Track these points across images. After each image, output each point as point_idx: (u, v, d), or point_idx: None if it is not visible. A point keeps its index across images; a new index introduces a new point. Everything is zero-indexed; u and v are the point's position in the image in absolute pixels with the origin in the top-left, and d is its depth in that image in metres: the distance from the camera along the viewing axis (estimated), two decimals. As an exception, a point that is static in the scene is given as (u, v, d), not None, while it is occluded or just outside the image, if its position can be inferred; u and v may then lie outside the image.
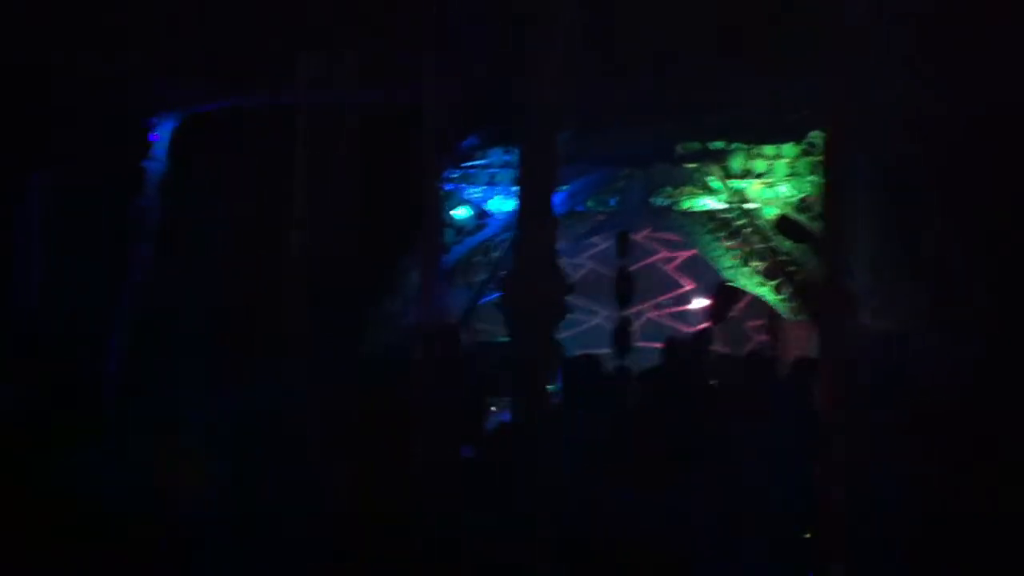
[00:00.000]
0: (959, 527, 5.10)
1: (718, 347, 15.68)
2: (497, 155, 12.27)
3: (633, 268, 13.90)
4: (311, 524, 5.49)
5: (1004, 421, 5.49)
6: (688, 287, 16.87)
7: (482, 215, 12.64)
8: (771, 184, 12.36)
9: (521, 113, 4.21)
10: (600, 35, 6.90)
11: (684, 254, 16.63)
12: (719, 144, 12.24)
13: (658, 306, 16.84)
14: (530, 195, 4.18)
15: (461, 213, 12.65)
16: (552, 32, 4.04)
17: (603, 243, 15.81)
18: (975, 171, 7.20)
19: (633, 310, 15.98)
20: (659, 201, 13.21)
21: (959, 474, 5.27)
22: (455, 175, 12.18)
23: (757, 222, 12.67)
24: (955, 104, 7.15)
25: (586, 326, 15.74)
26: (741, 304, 15.16)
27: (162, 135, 9.27)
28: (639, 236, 16.18)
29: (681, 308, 16.97)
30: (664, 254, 17.00)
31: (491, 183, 12.50)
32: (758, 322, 15.51)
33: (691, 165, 12.54)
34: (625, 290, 13.46)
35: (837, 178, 3.81)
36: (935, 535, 5.11)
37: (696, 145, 12.26)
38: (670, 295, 17.01)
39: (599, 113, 8.86)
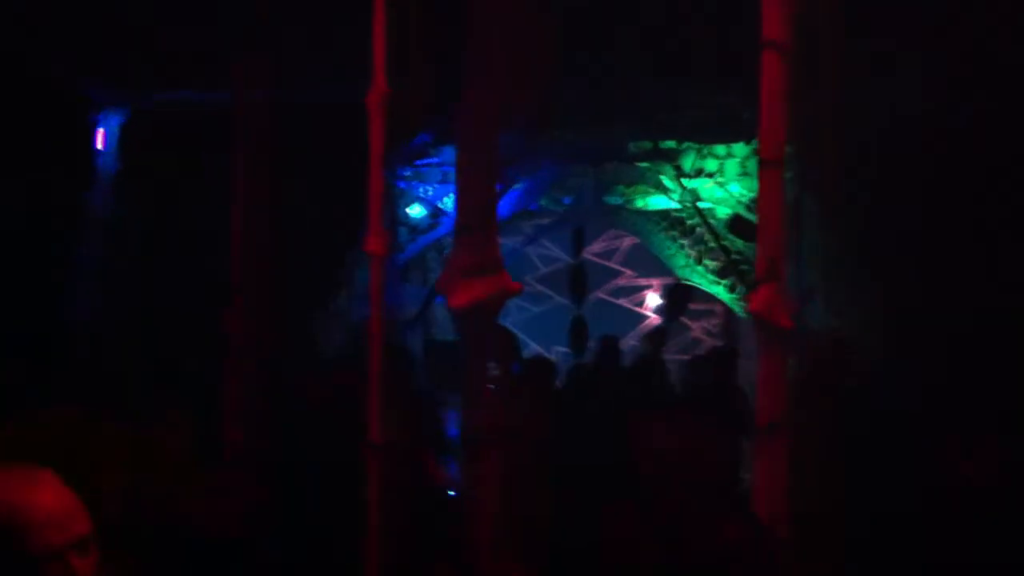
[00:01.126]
0: (903, 535, 5.15)
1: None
2: (450, 153, 12.17)
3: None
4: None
5: (953, 427, 5.54)
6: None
7: (436, 213, 12.58)
8: (723, 183, 12.39)
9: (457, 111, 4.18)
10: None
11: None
12: (670, 143, 12.23)
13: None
14: (469, 194, 4.13)
15: (415, 211, 12.60)
16: (490, 29, 4.00)
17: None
18: (935, 170, 7.27)
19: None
20: (613, 200, 13.25)
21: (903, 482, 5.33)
22: (408, 173, 12.12)
23: (710, 221, 12.70)
24: (919, 102, 7.20)
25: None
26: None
27: (111, 129, 9.18)
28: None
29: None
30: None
31: (444, 181, 12.44)
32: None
33: (644, 164, 12.55)
34: (579, 286, 13.45)
35: (771, 176, 3.80)
36: (878, 540, 5.16)
37: (647, 144, 12.25)
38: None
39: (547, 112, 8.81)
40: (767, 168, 3.72)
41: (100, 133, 9.15)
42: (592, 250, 15.89)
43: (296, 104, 6.71)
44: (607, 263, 16.85)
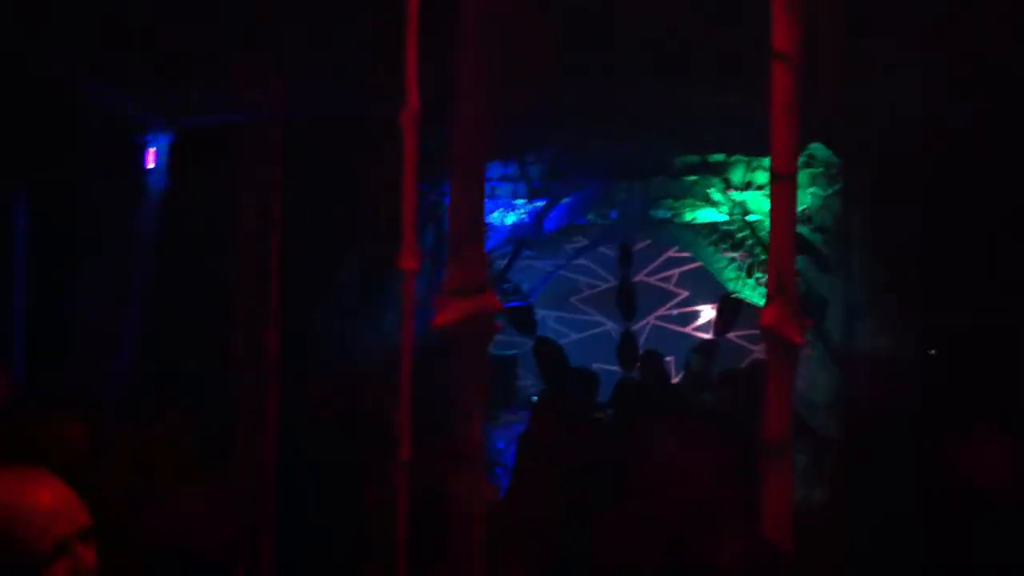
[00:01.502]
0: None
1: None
2: (496, 168, 12.09)
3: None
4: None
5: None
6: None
7: (481, 228, 12.43)
8: (772, 196, 12.16)
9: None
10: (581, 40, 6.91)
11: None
12: (719, 156, 12.09)
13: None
14: (459, 213, 4.11)
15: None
16: (483, 31, 3.97)
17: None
18: (935, 170, 7.25)
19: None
20: (660, 213, 13.10)
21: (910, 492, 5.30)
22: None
23: (759, 234, 12.51)
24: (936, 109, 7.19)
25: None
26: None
27: (160, 149, 9.27)
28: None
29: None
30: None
31: (491, 196, 12.32)
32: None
33: (691, 177, 12.40)
34: (628, 302, 13.36)
35: (783, 189, 3.77)
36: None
37: (695, 158, 12.12)
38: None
39: (586, 123, 8.82)
40: (779, 182, 3.65)
41: (151, 152, 9.31)
42: (643, 276, 15.80)
43: (297, 104, 6.74)
44: (662, 285, 16.75)
